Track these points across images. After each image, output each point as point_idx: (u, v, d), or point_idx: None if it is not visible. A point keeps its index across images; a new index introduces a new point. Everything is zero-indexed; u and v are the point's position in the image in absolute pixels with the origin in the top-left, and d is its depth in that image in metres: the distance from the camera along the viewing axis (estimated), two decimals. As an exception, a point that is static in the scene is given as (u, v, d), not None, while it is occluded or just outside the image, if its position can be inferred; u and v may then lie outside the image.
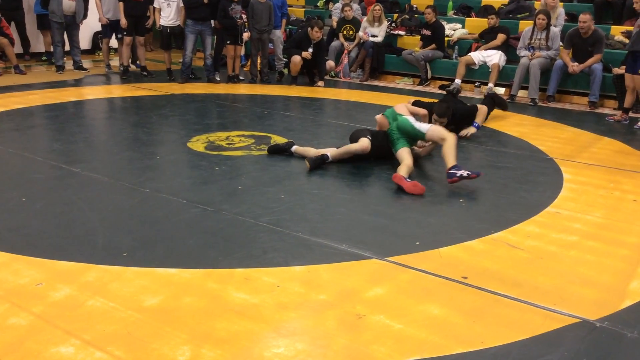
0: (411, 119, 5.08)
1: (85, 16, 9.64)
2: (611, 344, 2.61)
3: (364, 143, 5.08)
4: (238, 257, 3.29)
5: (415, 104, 6.30)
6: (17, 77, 9.13)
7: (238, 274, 3.09)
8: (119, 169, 4.91)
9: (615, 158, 5.57)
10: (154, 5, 9.10)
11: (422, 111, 5.56)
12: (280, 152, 5.37)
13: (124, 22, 9.07)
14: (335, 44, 10.28)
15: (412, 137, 5.02)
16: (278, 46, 9.80)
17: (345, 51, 10.14)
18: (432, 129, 4.91)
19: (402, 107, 5.46)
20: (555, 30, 8.41)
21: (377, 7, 9.86)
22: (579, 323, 2.75)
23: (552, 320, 2.76)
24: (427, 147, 5.25)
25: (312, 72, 9.49)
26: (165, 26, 9.08)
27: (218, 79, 9.31)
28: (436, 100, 6.79)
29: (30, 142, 5.64)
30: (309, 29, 9.11)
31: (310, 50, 9.17)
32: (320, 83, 9.29)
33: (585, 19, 7.77)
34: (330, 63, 9.87)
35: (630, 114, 7.23)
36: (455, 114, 6.06)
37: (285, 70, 9.94)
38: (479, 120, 6.32)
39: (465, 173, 4.47)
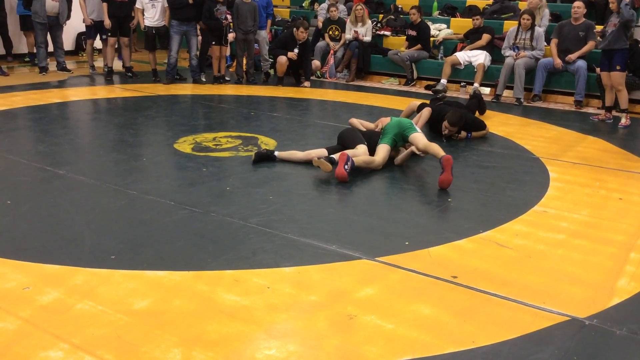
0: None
1: (68, 17, 9.55)
2: (600, 341, 2.63)
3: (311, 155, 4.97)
4: (227, 258, 3.28)
5: (421, 106, 6.38)
6: (0, 78, 9.03)
7: (228, 276, 3.07)
8: (105, 171, 4.87)
9: (600, 157, 5.62)
10: (137, 5, 9.03)
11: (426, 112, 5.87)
12: (266, 159, 5.14)
13: (107, 22, 9.00)
14: (321, 44, 10.28)
15: (403, 132, 5.07)
16: (263, 47, 9.78)
17: (331, 52, 10.14)
18: (421, 135, 5.03)
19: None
20: (540, 30, 8.48)
21: (359, 7, 9.87)
22: (568, 321, 2.77)
23: (542, 319, 2.77)
24: (405, 154, 5.12)
25: (298, 73, 9.48)
26: (150, 27, 9.02)
27: (204, 79, 9.27)
28: (428, 102, 6.85)
29: (14, 144, 5.57)
30: (294, 29, 9.10)
31: (296, 50, 9.16)
32: (307, 83, 9.29)
33: (579, 5, 7.90)
34: (316, 63, 9.87)
35: (614, 113, 7.30)
36: (467, 122, 6.12)
37: (272, 71, 9.93)
38: (476, 134, 6.27)
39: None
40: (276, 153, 5.19)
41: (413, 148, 5.04)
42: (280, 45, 9.33)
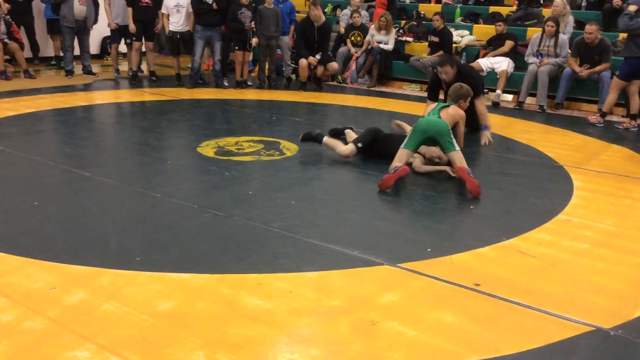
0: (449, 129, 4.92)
1: (96, 21, 9.70)
2: (625, 352, 2.60)
3: (349, 151, 5.35)
4: (250, 262, 3.30)
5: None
6: (26, 81, 9.18)
7: (251, 279, 3.10)
8: (130, 173, 4.93)
9: (625, 165, 5.56)
10: (162, 10, 9.13)
11: (461, 128, 5.48)
12: (312, 140, 5.60)
13: (132, 27, 9.12)
14: (343, 49, 10.30)
15: (433, 142, 4.90)
16: (286, 52, 9.83)
17: (353, 57, 10.15)
18: (459, 153, 4.79)
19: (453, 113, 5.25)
20: (564, 37, 8.40)
21: (383, 19, 9.86)
22: (592, 331, 2.74)
23: (566, 328, 2.75)
24: (433, 168, 5.13)
25: (318, 79, 9.52)
26: (174, 32, 9.12)
27: (226, 84, 9.34)
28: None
29: (40, 146, 5.67)
30: (309, 11, 9.11)
31: (318, 57, 9.20)
32: (320, 69, 9.37)
33: (592, 30, 7.78)
34: (334, 65, 9.74)
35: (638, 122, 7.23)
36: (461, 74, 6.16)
37: (293, 76, 9.97)
38: (484, 120, 6.26)
39: (472, 175, 4.60)
40: (325, 139, 5.50)
41: (447, 169, 5.03)
42: (301, 35, 9.32)
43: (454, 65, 6.20)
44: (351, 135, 5.83)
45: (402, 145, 4.89)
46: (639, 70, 7.06)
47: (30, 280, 3.02)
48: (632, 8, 6.86)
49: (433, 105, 5.44)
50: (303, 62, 9.24)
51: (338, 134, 5.97)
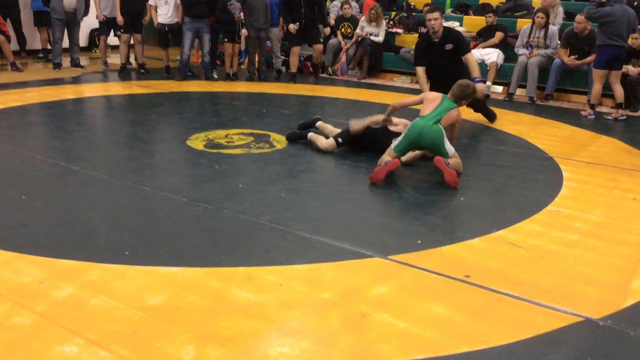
0: (444, 132, 4.77)
1: (86, 13, 9.62)
2: (615, 342, 2.62)
3: (329, 145, 5.38)
4: (240, 255, 3.29)
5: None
6: (13, 74, 9.09)
7: (241, 273, 3.09)
8: (119, 166, 4.90)
9: (614, 156, 5.58)
10: (150, 2, 9.05)
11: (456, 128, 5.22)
12: (299, 138, 5.73)
13: (120, 19, 9.05)
14: (333, 41, 10.26)
15: (429, 149, 4.85)
16: (275, 44, 9.78)
17: (344, 49, 10.12)
18: (452, 158, 4.75)
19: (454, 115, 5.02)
20: (554, 28, 8.42)
21: (373, 11, 9.82)
22: (582, 322, 2.75)
23: (555, 319, 2.76)
24: (415, 155, 5.12)
25: (315, 66, 9.45)
26: (163, 24, 9.04)
27: (216, 76, 9.29)
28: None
29: (28, 140, 5.61)
30: None
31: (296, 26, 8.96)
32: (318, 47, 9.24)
33: (580, 20, 7.80)
34: (318, 48, 9.36)
35: (629, 112, 7.26)
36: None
37: (283, 68, 9.93)
38: (476, 72, 6.22)
39: (450, 165, 4.55)
40: (310, 135, 5.60)
41: (425, 152, 5.05)
42: (286, 3, 9.02)
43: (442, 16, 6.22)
44: (325, 127, 5.85)
45: (393, 146, 4.82)
46: (613, 58, 7.08)
47: (19, 275, 2.99)
48: None
49: (434, 101, 4.92)
50: (294, 49, 9.19)
51: (307, 127, 5.95)
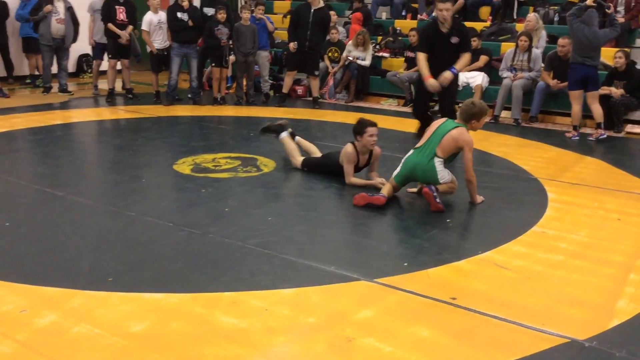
0: (439, 169, 4.58)
1: (74, 40, 9.64)
2: (600, 363, 2.61)
3: (298, 164, 5.57)
4: (226, 280, 3.27)
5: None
6: (0, 100, 9.06)
7: (226, 298, 3.06)
8: (104, 192, 4.88)
9: (598, 177, 5.63)
10: (144, 27, 9.06)
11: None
12: (272, 133, 6.00)
13: (125, 35, 9.02)
14: (320, 65, 10.33)
15: (422, 180, 4.75)
16: (264, 68, 9.84)
17: (331, 73, 10.20)
18: (450, 181, 4.68)
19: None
20: (537, 51, 8.54)
21: (360, 36, 9.93)
22: (567, 343, 2.75)
23: (541, 341, 2.76)
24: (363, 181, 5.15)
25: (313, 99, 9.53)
26: (160, 49, 9.09)
27: (203, 101, 9.32)
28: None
29: (14, 166, 5.58)
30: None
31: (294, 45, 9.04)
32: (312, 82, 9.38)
33: (564, 43, 7.93)
34: (315, 83, 9.54)
35: (613, 133, 7.35)
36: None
37: (271, 92, 9.98)
38: (458, 66, 6.25)
39: (439, 198, 4.48)
40: (283, 136, 5.85)
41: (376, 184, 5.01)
42: (292, 20, 9.06)
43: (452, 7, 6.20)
44: (302, 142, 5.97)
45: (393, 175, 4.71)
46: (584, 79, 7.20)
47: (0, 303, 2.95)
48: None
49: (430, 130, 4.76)
50: (290, 72, 9.37)
51: (269, 131, 6.07)
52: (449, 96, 6.73)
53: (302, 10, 9.03)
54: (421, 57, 6.51)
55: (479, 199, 4.73)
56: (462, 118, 4.70)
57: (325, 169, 5.41)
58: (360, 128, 5.05)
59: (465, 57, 6.36)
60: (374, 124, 5.10)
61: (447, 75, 6.07)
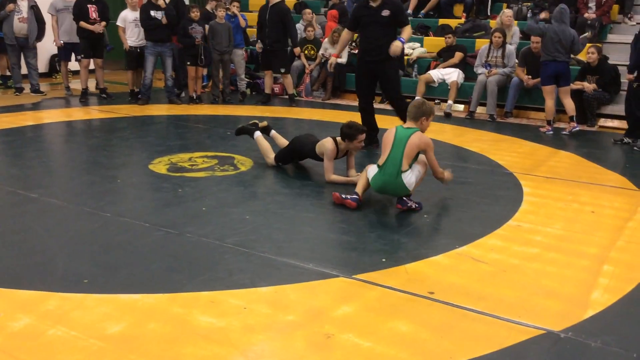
0: (407, 182, 4.43)
1: (39, 38, 9.47)
2: (576, 354, 2.65)
3: (271, 162, 5.64)
4: (203, 279, 3.25)
5: None
6: (-30, 101, 8.90)
7: (204, 297, 3.04)
8: (79, 193, 4.81)
9: (572, 171, 5.71)
10: (119, 23, 8.98)
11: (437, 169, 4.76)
12: (245, 133, 6.03)
13: (98, 28, 8.93)
14: (296, 63, 10.32)
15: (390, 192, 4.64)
16: (240, 66, 9.80)
17: (307, 71, 10.19)
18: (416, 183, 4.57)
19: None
20: (511, 47, 8.64)
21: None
22: (543, 334, 2.79)
23: (518, 333, 2.79)
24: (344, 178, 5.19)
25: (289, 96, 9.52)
26: (134, 47, 8.99)
27: (179, 100, 9.24)
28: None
29: (-15, 168, 5.48)
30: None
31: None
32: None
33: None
34: (287, 80, 9.54)
35: (587, 127, 7.46)
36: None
37: (248, 91, 9.94)
38: (404, 36, 6.11)
39: (413, 205, 4.46)
40: (257, 136, 5.86)
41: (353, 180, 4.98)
42: (258, 20, 9.13)
43: None
44: (277, 137, 6.04)
45: (369, 175, 4.59)
46: (556, 74, 7.35)
47: (-28, 308, 2.90)
48: (543, 15, 7.19)
49: (387, 142, 4.53)
50: (266, 72, 9.38)
51: (244, 131, 6.06)
52: (390, 84, 6.59)
53: (262, 9, 9.09)
54: (343, 34, 6.66)
55: (447, 174, 4.81)
56: (411, 117, 4.60)
57: (296, 155, 5.59)
58: (352, 134, 5.05)
59: (408, 30, 6.22)
60: (364, 130, 5.21)
61: (397, 43, 5.95)
